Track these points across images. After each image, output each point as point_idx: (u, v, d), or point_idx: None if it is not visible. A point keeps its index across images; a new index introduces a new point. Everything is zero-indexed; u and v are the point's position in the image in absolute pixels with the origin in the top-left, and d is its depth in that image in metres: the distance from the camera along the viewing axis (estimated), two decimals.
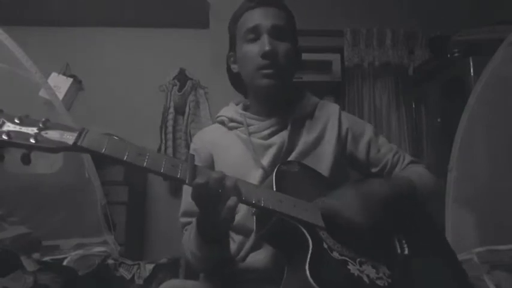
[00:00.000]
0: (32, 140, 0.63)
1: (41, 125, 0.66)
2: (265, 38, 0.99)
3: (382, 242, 0.84)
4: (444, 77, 2.62)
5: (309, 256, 0.71)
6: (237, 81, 1.13)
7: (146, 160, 0.70)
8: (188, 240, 0.92)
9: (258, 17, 1.01)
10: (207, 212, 0.77)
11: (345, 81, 3.04)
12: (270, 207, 0.76)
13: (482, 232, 1.70)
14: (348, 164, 1.07)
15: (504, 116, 1.78)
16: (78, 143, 0.66)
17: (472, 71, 2.25)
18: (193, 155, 0.76)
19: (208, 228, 0.81)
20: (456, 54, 2.42)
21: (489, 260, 1.51)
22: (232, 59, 1.11)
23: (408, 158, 1.08)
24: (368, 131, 1.08)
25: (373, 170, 1.06)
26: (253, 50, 1.00)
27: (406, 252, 0.84)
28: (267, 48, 0.97)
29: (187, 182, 0.71)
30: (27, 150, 0.64)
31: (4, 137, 0.62)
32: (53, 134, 0.66)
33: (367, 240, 0.81)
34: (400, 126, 2.99)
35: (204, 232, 0.83)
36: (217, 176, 0.72)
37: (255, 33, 1.01)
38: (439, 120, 2.73)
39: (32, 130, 0.64)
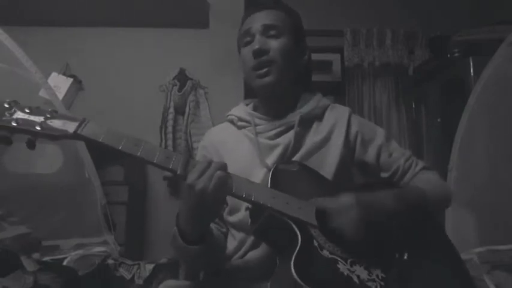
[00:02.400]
0: (38, 127, 0.71)
1: (47, 115, 0.73)
2: (256, 38, 1.01)
3: (379, 245, 0.83)
4: (444, 77, 2.62)
5: (295, 252, 0.71)
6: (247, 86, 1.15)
7: (141, 150, 0.74)
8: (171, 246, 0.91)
9: (251, 21, 1.05)
10: (197, 196, 0.75)
11: (345, 81, 3.04)
12: (261, 202, 0.77)
13: (482, 232, 1.70)
14: (357, 169, 1.05)
15: (504, 116, 1.78)
16: (78, 131, 0.73)
17: (472, 71, 2.25)
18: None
19: (192, 224, 0.82)
20: (456, 54, 2.42)
21: (489, 260, 1.50)
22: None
23: (421, 164, 1.05)
24: (379, 135, 1.07)
25: (384, 175, 1.04)
26: (247, 52, 1.03)
27: (405, 256, 0.83)
28: (256, 46, 1.00)
29: (178, 172, 0.74)
30: (33, 137, 0.71)
31: (13, 123, 0.69)
32: (56, 123, 0.73)
33: (362, 242, 0.80)
34: (400, 126, 2.99)
35: (186, 230, 0.83)
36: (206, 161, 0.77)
37: (249, 36, 1.04)
38: (439, 120, 2.73)
39: (39, 119, 0.72)
